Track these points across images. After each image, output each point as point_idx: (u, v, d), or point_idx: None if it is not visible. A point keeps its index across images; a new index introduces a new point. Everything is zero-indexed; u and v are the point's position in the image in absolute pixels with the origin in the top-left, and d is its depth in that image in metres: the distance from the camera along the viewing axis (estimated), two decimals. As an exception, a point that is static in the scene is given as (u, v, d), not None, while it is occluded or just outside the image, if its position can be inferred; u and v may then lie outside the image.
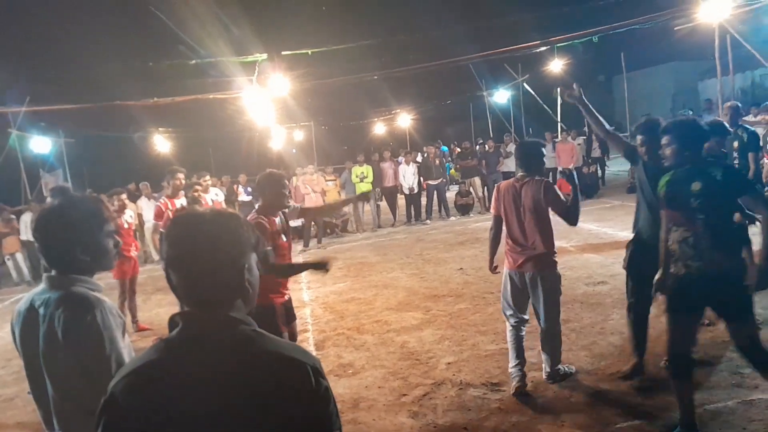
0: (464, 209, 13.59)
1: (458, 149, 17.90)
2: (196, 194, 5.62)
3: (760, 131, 8.19)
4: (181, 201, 6.00)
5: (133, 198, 13.49)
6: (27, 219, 12.27)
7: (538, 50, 13.21)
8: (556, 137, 14.93)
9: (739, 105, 6.23)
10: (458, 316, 5.93)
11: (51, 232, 1.81)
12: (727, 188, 2.95)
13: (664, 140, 3.16)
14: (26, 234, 11.76)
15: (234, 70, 10.91)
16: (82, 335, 1.72)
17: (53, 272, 1.82)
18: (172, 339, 1.29)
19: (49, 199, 11.41)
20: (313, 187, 12.76)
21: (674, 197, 3.11)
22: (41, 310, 1.78)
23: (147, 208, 12.89)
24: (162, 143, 19.00)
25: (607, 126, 4.22)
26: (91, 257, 1.84)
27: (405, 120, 24.50)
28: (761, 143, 7.27)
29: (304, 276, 9.12)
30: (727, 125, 4.97)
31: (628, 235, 4.22)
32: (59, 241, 1.81)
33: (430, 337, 5.46)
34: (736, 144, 5.47)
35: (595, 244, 8.46)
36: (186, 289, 1.32)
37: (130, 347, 1.88)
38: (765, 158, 7.26)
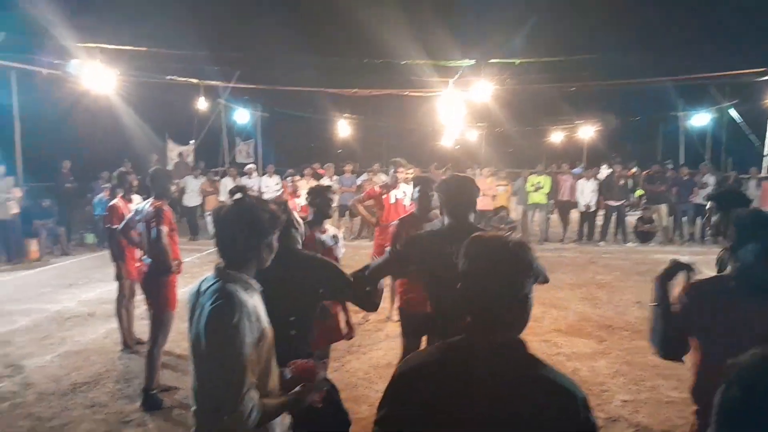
0: (645, 237, 12.53)
1: (633, 170, 16.74)
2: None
3: None
4: (395, 193, 5.86)
5: (318, 178, 14.51)
6: (226, 182, 13.81)
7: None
8: (762, 174, 13.33)
9: None
10: (636, 353, 5.60)
11: (227, 228, 2.00)
12: None
13: None
14: (224, 195, 13.18)
15: (427, 70, 11.23)
16: (217, 333, 1.81)
17: (222, 263, 2.00)
18: (456, 344, 1.43)
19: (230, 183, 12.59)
20: (484, 191, 12.69)
21: None
22: (201, 298, 1.92)
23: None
24: (344, 128, 20.22)
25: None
26: (253, 257, 2.02)
27: (585, 132, 23.20)
28: None
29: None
30: None
31: None
32: (231, 237, 1.99)
33: (604, 370, 5.26)
34: None
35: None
36: (471, 302, 1.44)
37: (266, 349, 1.93)
38: None
